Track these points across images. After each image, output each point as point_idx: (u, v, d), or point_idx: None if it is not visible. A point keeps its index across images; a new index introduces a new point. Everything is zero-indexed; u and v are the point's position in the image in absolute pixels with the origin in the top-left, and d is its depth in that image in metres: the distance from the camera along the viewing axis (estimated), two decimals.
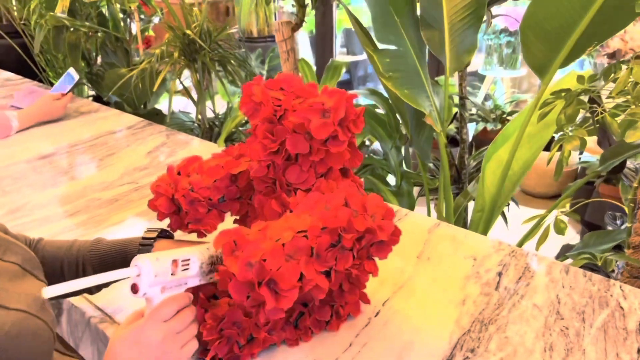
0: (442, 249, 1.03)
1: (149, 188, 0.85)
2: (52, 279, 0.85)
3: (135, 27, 2.29)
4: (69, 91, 1.85)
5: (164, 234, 0.83)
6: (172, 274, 0.65)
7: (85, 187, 1.32)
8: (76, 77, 1.85)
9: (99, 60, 2.39)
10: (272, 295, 0.66)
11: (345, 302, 0.83)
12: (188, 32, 1.65)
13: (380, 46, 1.30)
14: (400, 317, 0.85)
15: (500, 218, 1.48)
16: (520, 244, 1.36)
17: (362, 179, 1.81)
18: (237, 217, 0.89)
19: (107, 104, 2.26)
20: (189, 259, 0.66)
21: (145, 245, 0.81)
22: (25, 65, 2.72)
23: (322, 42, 3.59)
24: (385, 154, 1.61)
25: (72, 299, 0.91)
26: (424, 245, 1.05)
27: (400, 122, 1.49)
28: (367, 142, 1.83)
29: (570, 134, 1.01)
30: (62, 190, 1.31)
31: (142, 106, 2.27)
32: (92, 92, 2.47)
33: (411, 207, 1.64)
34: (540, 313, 0.85)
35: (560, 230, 1.29)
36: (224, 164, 0.84)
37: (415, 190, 1.74)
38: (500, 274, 0.95)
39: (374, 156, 1.74)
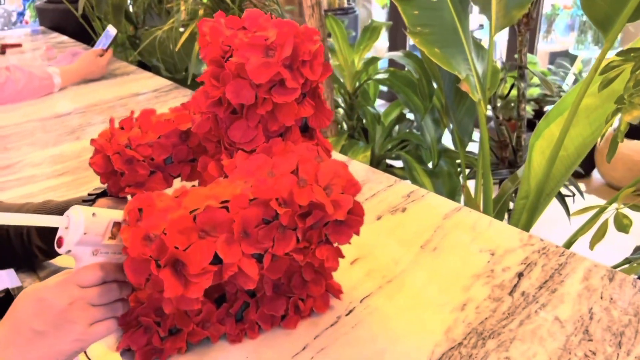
0: (454, 239, 0.84)
1: None
2: None
3: None
4: (108, 47, 1.80)
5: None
6: (110, 238, 0.53)
7: (85, 148, 1.24)
8: (113, 32, 1.81)
9: (146, 24, 2.33)
10: (177, 280, 0.51)
11: (308, 294, 0.67)
12: None
13: None
14: (377, 319, 0.68)
15: (551, 208, 1.25)
16: (569, 243, 1.13)
17: (394, 154, 1.63)
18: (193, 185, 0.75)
19: (149, 68, 2.20)
20: None
21: (86, 202, 0.70)
22: (83, 30, 2.73)
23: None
24: (420, 127, 1.41)
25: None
26: (434, 233, 0.86)
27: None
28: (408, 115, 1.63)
29: (632, 101, 0.78)
30: (60, 150, 1.23)
31: (184, 72, 2.19)
32: (140, 58, 2.42)
33: (451, 192, 1.43)
34: (562, 330, 0.65)
35: (622, 226, 1.05)
36: (174, 118, 0.71)
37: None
38: (520, 275, 0.75)
39: (415, 131, 1.54)
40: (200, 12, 1.60)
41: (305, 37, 0.56)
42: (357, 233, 0.60)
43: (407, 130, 1.55)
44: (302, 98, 0.61)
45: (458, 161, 1.54)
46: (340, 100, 1.65)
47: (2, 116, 1.49)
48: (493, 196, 1.28)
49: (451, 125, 1.33)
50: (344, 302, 0.71)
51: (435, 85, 1.27)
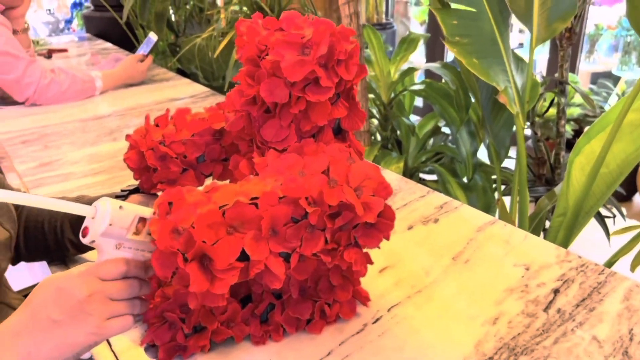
0: (487, 252, 0.82)
1: None
2: (34, 237, 0.78)
3: None
4: (149, 53, 1.84)
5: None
6: (135, 233, 0.52)
7: (121, 149, 1.26)
8: (155, 38, 1.85)
9: (187, 32, 2.38)
10: (203, 274, 0.51)
11: (334, 299, 0.66)
12: None
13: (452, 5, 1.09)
14: (405, 329, 0.66)
15: (589, 228, 1.20)
16: (609, 264, 1.08)
17: (428, 167, 1.60)
18: None
19: (187, 76, 2.24)
20: None
21: (119, 197, 0.71)
22: (126, 38, 2.80)
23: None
24: (455, 140, 1.38)
25: None
26: (466, 245, 0.84)
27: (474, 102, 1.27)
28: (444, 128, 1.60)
29: None
30: (97, 150, 1.26)
31: (221, 80, 2.22)
32: (179, 66, 2.47)
33: (485, 208, 1.40)
34: (600, 350, 0.62)
35: None
36: (208, 117, 0.71)
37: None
38: (556, 292, 0.72)
39: (449, 144, 1.52)
40: (222, 14, 1.62)
41: (342, 37, 0.55)
42: (387, 237, 0.59)
43: (442, 143, 1.52)
44: (336, 99, 0.61)
45: (494, 176, 1.50)
46: (375, 111, 1.64)
47: (45, 116, 1.53)
48: (529, 213, 1.24)
49: (487, 139, 1.30)
50: (371, 309, 0.69)
51: (472, 97, 1.25)
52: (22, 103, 1.63)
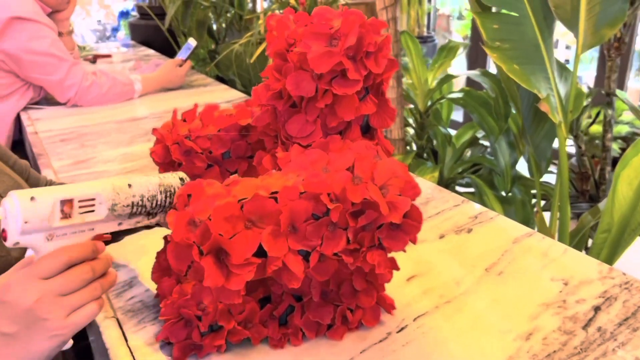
0: (523, 264, 0.77)
1: None
2: None
3: (259, 6, 2.26)
4: (187, 58, 1.87)
5: None
6: (63, 218, 0.48)
7: None
8: (193, 43, 1.87)
9: (227, 40, 2.40)
10: (218, 269, 0.49)
11: (357, 305, 0.63)
12: (292, 1, 1.54)
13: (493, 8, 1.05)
14: (431, 339, 0.63)
15: (636, 247, 1.13)
16: None
17: (465, 178, 1.55)
18: None
19: (226, 82, 2.26)
20: (93, 199, 0.51)
21: None
22: (169, 45, 2.86)
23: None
24: (494, 150, 1.33)
25: None
26: (501, 257, 0.80)
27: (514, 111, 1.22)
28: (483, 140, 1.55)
29: None
30: (132, 150, 1.27)
31: None
32: (218, 72, 2.50)
33: (524, 222, 1.34)
34: None
35: None
36: (235, 113, 0.70)
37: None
38: (597, 309, 0.67)
39: (488, 156, 1.47)
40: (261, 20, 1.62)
41: (372, 28, 0.53)
42: (414, 241, 0.56)
43: (481, 155, 1.47)
44: (364, 94, 0.59)
45: (534, 190, 1.44)
46: (411, 120, 1.61)
47: (84, 117, 1.56)
48: (570, 230, 1.18)
49: (527, 151, 1.25)
50: (396, 318, 0.66)
51: (512, 106, 1.20)
52: (65, 104, 1.67)
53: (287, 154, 0.56)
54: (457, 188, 1.70)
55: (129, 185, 0.53)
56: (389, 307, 0.66)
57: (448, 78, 1.45)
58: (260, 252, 0.50)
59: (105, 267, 0.51)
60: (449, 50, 1.56)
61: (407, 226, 0.54)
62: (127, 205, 0.52)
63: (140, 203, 0.53)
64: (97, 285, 0.50)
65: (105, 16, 3.57)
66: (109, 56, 2.52)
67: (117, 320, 0.66)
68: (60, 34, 1.74)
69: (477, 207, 0.96)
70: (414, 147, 1.60)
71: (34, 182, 0.74)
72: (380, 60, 0.54)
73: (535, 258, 0.79)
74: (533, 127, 1.16)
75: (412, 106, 1.61)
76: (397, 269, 0.64)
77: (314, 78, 0.56)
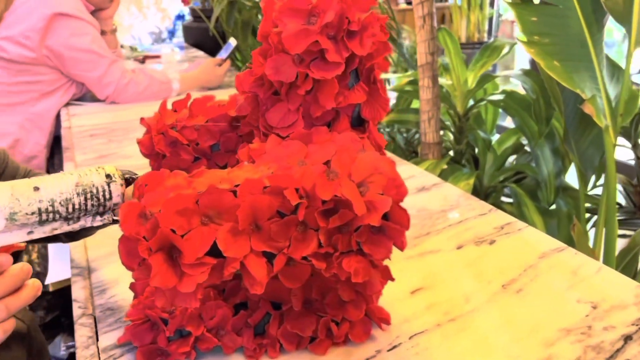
0: (547, 282, 0.68)
1: None
2: None
3: None
4: (227, 57, 1.86)
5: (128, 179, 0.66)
6: None
7: None
8: (234, 43, 1.86)
9: None
10: (170, 268, 0.44)
11: (344, 317, 0.57)
12: None
13: None
14: None
15: None
16: None
17: (505, 188, 1.44)
18: None
19: None
20: None
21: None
22: (219, 47, 2.87)
23: None
24: (536, 157, 1.22)
25: None
26: (522, 272, 0.71)
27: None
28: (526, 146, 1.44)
29: None
30: None
31: None
32: None
33: (568, 238, 1.22)
34: None
35: None
36: (227, 103, 0.65)
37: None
38: (628, 339, 0.58)
39: (533, 164, 1.36)
40: None
41: (354, 4, 0.47)
42: (400, 246, 0.49)
43: (526, 162, 1.36)
44: (354, 80, 0.52)
45: (588, 204, 1.31)
46: (449, 123, 1.52)
47: (119, 113, 1.57)
48: (618, 249, 1.06)
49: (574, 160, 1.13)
50: (389, 334, 0.59)
51: (558, 109, 1.09)
52: (104, 101, 1.69)
53: (262, 145, 0.51)
54: (502, 198, 1.59)
55: (35, 189, 0.46)
56: (380, 321, 0.59)
57: (487, 78, 1.35)
58: (219, 252, 0.45)
59: (13, 283, 0.46)
60: (493, 49, 1.45)
61: (390, 230, 0.47)
62: (33, 213, 0.46)
63: (50, 209, 0.46)
64: (1, 306, 0.45)
65: (162, 19, 3.66)
66: (158, 57, 2.56)
67: (95, 318, 0.63)
68: (103, 32, 1.77)
69: (505, 218, 0.87)
70: (452, 153, 1.50)
71: (11, 172, 0.72)
72: (365, 41, 0.47)
73: (563, 276, 0.70)
74: (579, 133, 1.05)
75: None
76: (392, 279, 0.57)
77: (295, 62, 0.50)
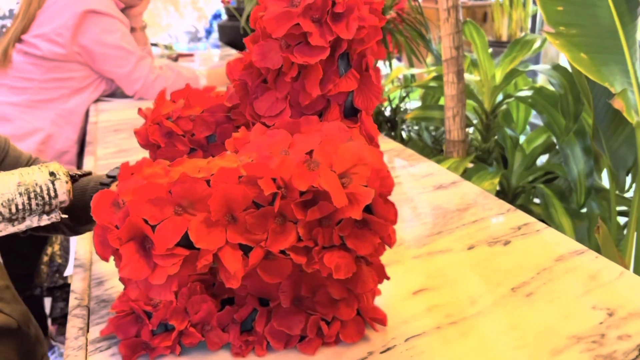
0: (561, 286, 0.64)
1: None
2: None
3: None
4: None
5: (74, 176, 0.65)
6: None
7: None
8: None
9: None
10: (142, 259, 0.43)
11: (335, 316, 0.54)
12: None
13: None
14: None
15: None
16: None
17: (535, 189, 1.37)
18: None
19: None
20: None
21: (104, 185, 0.65)
22: None
23: None
24: (565, 156, 1.16)
25: None
26: (535, 275, 0.66)
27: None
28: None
29: None
30: None
31: None
32: None
33: (596, 244, 1.15)
34: None
35: None
36: (225, 93, 0.63)
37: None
38: None
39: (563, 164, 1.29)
40: None
41: None
42: (388, 242, 0.46)
43: (558, 162, 1.30)
44: (344, 68, 0.50)
45: (622, 207, 1.24)
46: (476, 121, 1.46)
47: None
48: None
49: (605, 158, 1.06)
50: (384, 335, 0.56)
51: (588, 105, 1.03)
52: (132, 97, 1.71)
53: (246, 134, 0.49)
54: (535, 200, 1.52)
55: None
56: (377, 322, 0.56)
57: (514, 73, 1.29)
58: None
59: None
60: (523, 44, 1.38)
61: (374, 224, 0.44)
62: None
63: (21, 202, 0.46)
64: None
65: (198, 19, 3.70)
66: (191, 55, 2.59)
67: (88, 309, 0.62)
68: (133, 29, 1.79)
69: (524, 218, 0.82)
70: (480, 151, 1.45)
71: (12, 160, 0.72)
72: (351, 24, 0.45)
73: (580, 280, 0.65)
74: (610, 130, 0.99)
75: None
76: (387, 277, 0.55)
77: (282, 47, 0.48)
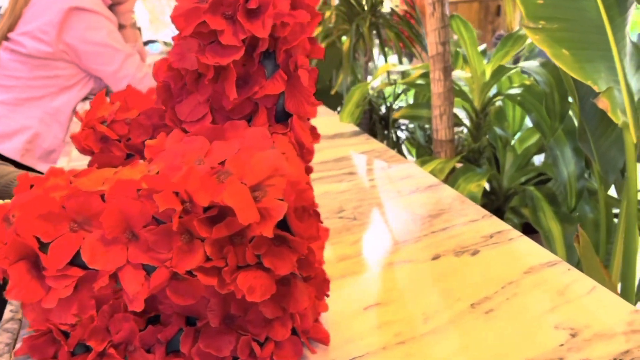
0: (525, 303, 0.59)
1: None
2: None
3: None
4: None
5: None
6: None
7: None
8: None
9: None
10: (36, 280, 0.39)
11: (268, 336, 0.50)
12: None
13: None
14: None
15: None
16: None
17: (525, 190, 1.31)
18: None
19: None
20: None
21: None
22: None
23: None
24: (554, 157, 1.10)
25: None
26: (500, 290, 0.62)
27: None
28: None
29: None
30: None
31: (327, 82, 2.12)
32: None
33: (594, 246, 1.10)
34: None
35: None
36: None
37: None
38: None
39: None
40: (328, 13, 1.50)
41: None
42: (312, 261, 0.42)
43: (550, 162, 1.24)
44: (274, 69, 0.46)
45: (616, 210, 1.18)
46: (466, 119, 1.41)
47: None
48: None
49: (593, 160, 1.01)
50: (324, 356, 0.52)
51: (575, 105, 0.97)
52: None
53: (161, 141, 0.45)
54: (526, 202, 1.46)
55: None
56: (318, 341, 0.52)
57: (502, 70, 1.23)
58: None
59: None
60: (516, 39, 1.32)
61: (292, 241, 0.40)
62: None
63: None
64: None
65: None
66: None
67: (21, 322, 0.59)
68: (122, 26, 1.77)
69: (498, 225, 0.78)
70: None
71: None
72: (266, 21, 0.40)
73: (546, 295, 0.60)
74: (599, 131, 0.93)
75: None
76: (326, 295, 0.51)
77: (201, 47, 0.44)
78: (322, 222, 0.52)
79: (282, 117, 0.48)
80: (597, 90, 0.80)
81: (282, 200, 0.40)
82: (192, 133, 0.44)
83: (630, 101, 0.84)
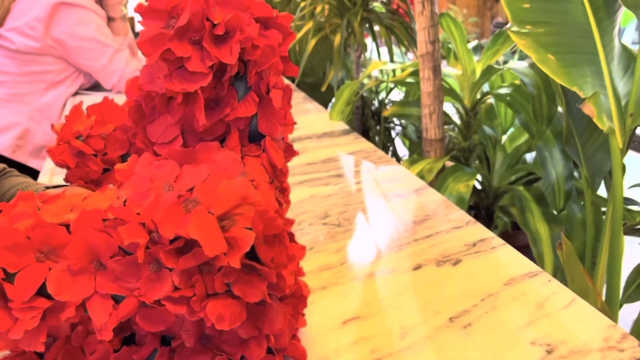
0: (504, 317, 0.59)
1: None
2: None
3: None
4: None
5: None
6: None
7: None
8: None
9: None
10: (4, 310, 0.39)
11: (243, 356, 0.50)
12: None
13: None
14: None
15: None
16: None
17: (515, 190, 1.31)
18: None
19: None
20: None
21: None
22: None
23: None
24: (542, 158, 1.10)
25: None
26: (479, 303, 0.62)
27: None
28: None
29: None
30: None
31: (322, 74, 2.11)
32: None
33: (580, 251, 1.10)
34: None
35: None
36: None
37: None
38: None
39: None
40: (319, 8, 1.49)
41: (222, 2, 0.40)
42: (283, 287, 0.42)
43: (540, 162, 1.24)
44: (245, 91, 0.45)
45: (604, 209, 1.18)
46: (457, 118, 1.40)
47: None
48: (623, 273, 0.94)
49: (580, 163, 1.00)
50: None
51: (563, 108, 0.96)
52: (110, 90, 1.67)
53: (132, 165, 0.44)
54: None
55: None
56: (295, 358, 0.52)
57: (492, 70, 1.22)
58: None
59: None
60: (507, 36, 1.31)
61: (262, 270, 0.40)
62: None
63: None
64: None
65: None
66: None
67: None
68: (112, 19, 1.75)
69: (482, 233, 0.77)
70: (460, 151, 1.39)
71: None
72: (233, 47, 0.40)
73: (525, 308, 0.60)
74: (587, 134, 0.93)
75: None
76: (302, 314, 0.51)
77: (169, 71, 0.43)
78: (296, 242, 0.52)
79: (256, 137, 0.48)
80: (582, 96, 0.79)
81: (250, 229, 0.39)
82: (163, 157, 0.44)
83: (617, 106, 0.83)
